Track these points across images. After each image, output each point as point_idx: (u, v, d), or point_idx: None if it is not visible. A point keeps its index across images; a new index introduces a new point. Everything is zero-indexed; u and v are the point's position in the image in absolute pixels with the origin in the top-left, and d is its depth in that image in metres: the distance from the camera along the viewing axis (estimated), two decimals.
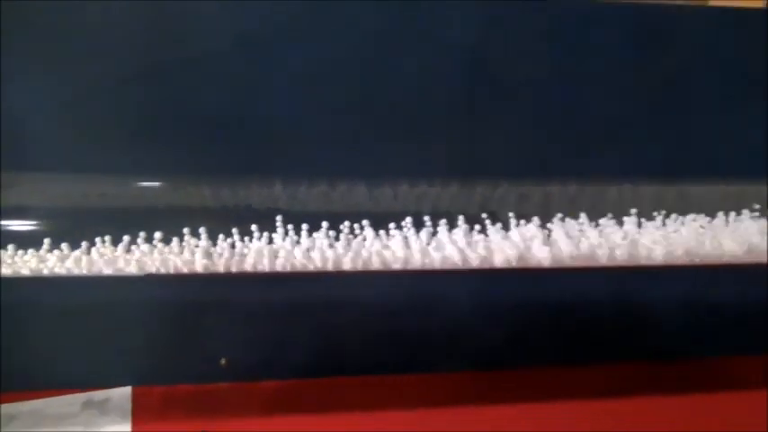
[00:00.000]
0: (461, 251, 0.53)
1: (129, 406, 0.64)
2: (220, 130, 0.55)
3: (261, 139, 0.55)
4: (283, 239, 0.52)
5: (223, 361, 0.67)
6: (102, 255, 0.50)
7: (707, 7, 0.72)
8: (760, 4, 1.63)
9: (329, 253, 0.52)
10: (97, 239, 0.51)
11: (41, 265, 0.49)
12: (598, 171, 0.61)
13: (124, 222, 0.52)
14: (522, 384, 0.69)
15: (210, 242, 0.52)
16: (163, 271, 0.50)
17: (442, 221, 0.54)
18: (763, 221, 0.58)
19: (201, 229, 0.53)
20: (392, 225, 0.54)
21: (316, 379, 0.68)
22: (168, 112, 0.55)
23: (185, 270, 0.50)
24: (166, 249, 0.51)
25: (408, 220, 0.54)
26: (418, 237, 0.53)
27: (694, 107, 0.62)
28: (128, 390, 0.65)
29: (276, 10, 0.53)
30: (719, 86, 0.63)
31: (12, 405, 0.63)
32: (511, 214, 0.55)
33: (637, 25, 0.59)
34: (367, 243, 0.53)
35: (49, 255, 0.50)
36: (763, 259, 0.56)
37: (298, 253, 0.52)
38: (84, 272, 0.49)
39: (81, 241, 0.51)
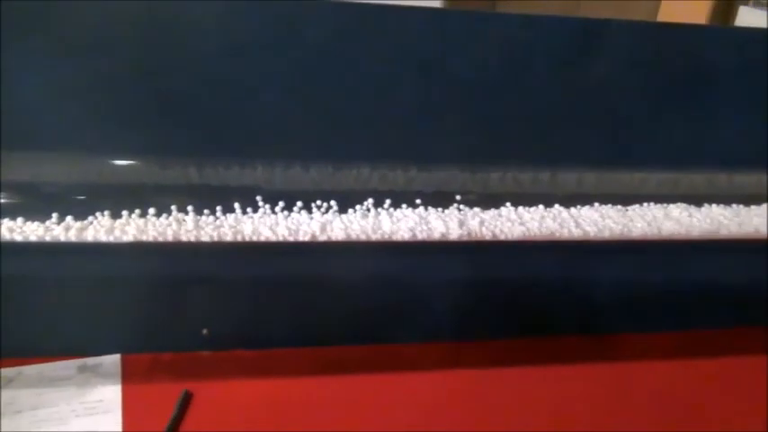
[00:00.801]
0: (418, 227, 0.61)
1: (119, 370, 0.70)
2: (207, 116, 0.62)
3: (243, 127, 0.63)
4: (262, 215, 0.60)
5: (205, 331, 0.74)
6: (102, 225, 0.58)
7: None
8: (707, 5, 1.74)
9: (303, 227, 0.60)
10: (97, 213, 0.59)
11: (47, 234, 0.56)
12: (537, 159, 0.69)
13: (118, 197, 0.59)
14: (485, 354, 0.78)
15: (197, 216, 0.59)
16: (155, 239, 0.57)
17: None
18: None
19: (190, 207, 0.60)
20: (357, 204, 0.62)
21: (289, 348, 0.75)
22: (161, 103, 0.62)
23: (175, 239, 0.57)
24: (158, 222, 0.58)
25: (370, 200, 0.62)
26: (378, 214, 0.61)
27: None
28: (117, 356, 0.72)
29: (257, 9, 0.61)
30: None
31: (11, 369, 0.69)
32: (458, 197, 0.63)
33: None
34: (334, 219, 0.61)
35: (54, 225, 0.57)
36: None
37: (274, 226, 0.60)
38: (90, 239, 0.56)
39: (80, 214, 0.58)
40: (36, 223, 0.57)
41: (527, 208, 0.65)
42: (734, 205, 0.70)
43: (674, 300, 0.81)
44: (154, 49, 0.59)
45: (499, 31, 0.63)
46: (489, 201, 0.64)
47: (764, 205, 0.70)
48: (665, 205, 0.67)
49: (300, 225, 0.60)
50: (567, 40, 0.64)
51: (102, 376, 0.69)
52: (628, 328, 0.83)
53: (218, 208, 0.60)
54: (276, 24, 0.60)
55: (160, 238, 0.57)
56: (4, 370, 0.69)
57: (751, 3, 1.60)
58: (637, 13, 1.84)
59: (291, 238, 0.60)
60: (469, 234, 0.61)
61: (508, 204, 0.64)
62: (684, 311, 0.82)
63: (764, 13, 1.51)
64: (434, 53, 0.63)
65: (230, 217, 0.60)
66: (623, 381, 0.76)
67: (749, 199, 0.70)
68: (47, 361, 0.70)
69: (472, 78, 0.65)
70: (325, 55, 0.61)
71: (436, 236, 0.61)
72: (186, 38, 0.59)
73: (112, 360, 0.71)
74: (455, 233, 0.61)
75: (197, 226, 0.59)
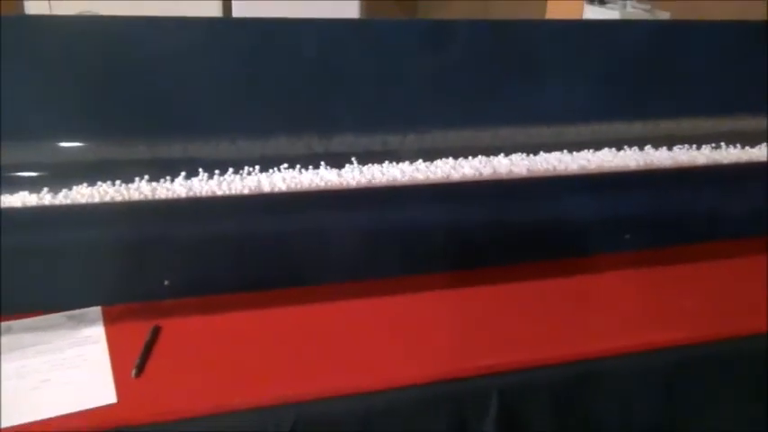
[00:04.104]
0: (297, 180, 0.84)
1: (100, 316, 0.88)
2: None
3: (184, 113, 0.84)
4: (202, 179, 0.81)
5: (166, 282, 0.92)
6: (82, 195, 0.77)
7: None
8: (581, 5, 2.02)
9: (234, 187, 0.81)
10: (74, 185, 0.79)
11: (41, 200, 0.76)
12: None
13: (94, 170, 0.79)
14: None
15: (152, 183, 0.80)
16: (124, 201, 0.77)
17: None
18: None
19: (146, 176, 0.81)
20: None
21: (238, 293, 0.95)
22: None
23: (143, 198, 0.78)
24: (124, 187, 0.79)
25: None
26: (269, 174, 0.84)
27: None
28: (98, 307, 0.90)
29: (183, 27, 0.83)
30: None
31: (8, 322, 0.85)
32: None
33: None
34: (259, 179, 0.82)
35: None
36: None
37: (215, 188, 0.81)
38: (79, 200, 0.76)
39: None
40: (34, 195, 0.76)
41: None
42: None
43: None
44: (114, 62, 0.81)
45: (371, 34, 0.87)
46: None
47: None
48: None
49: (232, 185, 0.81)
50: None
51: (86, 321, 0.87)
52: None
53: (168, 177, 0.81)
54: (199, 44, 0.83)
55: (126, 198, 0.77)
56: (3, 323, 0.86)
57: (596, 2, 1.93)
58: (529, 13, 2.11)
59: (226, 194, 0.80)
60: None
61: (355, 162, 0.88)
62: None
63: (601, 9, 1.83)
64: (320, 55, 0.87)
65: (177, 182, 0.81)
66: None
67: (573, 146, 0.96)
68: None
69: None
70: (233, 61, 0.85)
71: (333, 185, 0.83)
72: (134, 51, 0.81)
73: (94, 309, 0.89)
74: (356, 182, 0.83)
75: (153, 191, 0.79)
